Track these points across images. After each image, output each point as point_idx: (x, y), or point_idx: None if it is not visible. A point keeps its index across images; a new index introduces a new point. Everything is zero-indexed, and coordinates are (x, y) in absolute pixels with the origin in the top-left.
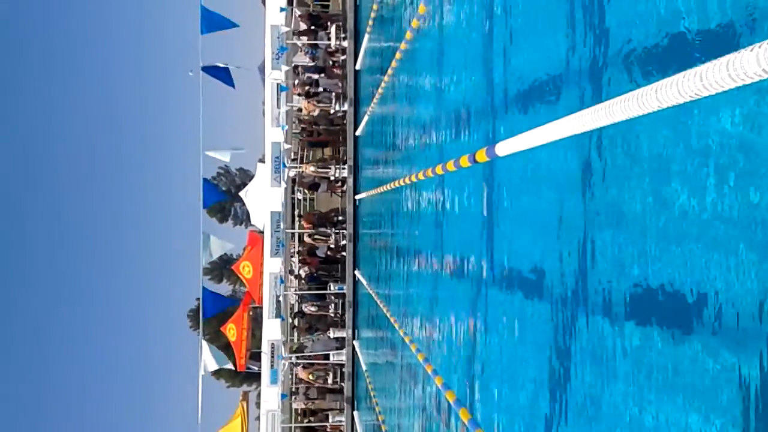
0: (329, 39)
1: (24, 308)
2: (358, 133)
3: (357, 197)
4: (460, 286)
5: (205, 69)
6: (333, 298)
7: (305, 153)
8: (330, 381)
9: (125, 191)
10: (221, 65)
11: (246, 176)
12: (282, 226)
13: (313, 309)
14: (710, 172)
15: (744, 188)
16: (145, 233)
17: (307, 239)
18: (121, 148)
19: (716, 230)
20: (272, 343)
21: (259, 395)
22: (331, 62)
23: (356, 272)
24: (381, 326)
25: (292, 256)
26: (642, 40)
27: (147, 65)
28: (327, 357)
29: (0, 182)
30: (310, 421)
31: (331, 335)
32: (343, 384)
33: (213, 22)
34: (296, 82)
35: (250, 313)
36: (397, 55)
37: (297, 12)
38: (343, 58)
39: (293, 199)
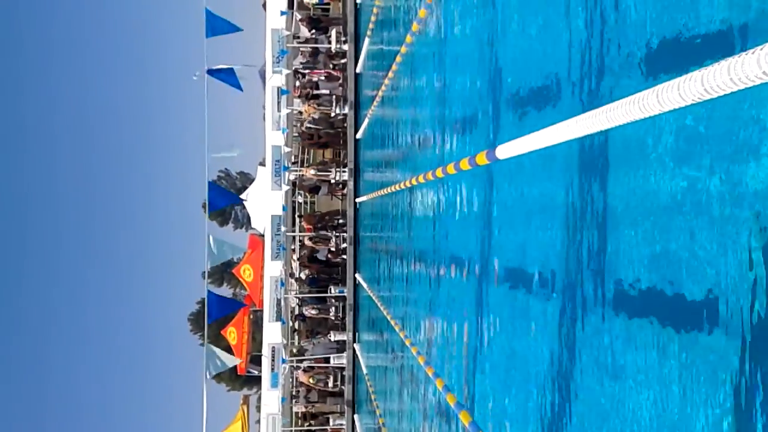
0: (330, 42)
1: (26, 311)
2: (358, 136)
3: (357, 200)
4: (461, 288)
5: (211, 72)
6: (333, 301)
7: (306, 156)
8: (330, 384)
9: (127, 194)
10: (226, 67)
11: (246, 179)
12: (282, 229)
13: (313, 312)
14: (711, 169)
15: (742, 186)
16: (146, 236)
17: (307, 242)
18: (125, 151)
19: (720, 228)
20: (273, 347)
21: (259, 399)
22: (331, 65)
23: (357, 275)
24: (382, 329)
25: (293, 260)
26: (643, 43)
27: (151, 68)
28: (327, 360)
29: (1, 186)
30: (310, 425)
31: (332, 338)
32: (343, 387)
33: (217, 26)
34: (297, 84)
35: (251, 316)
36: (398, 59)
37: (297, 16)
38: (343, 61)
39: (294, 202)
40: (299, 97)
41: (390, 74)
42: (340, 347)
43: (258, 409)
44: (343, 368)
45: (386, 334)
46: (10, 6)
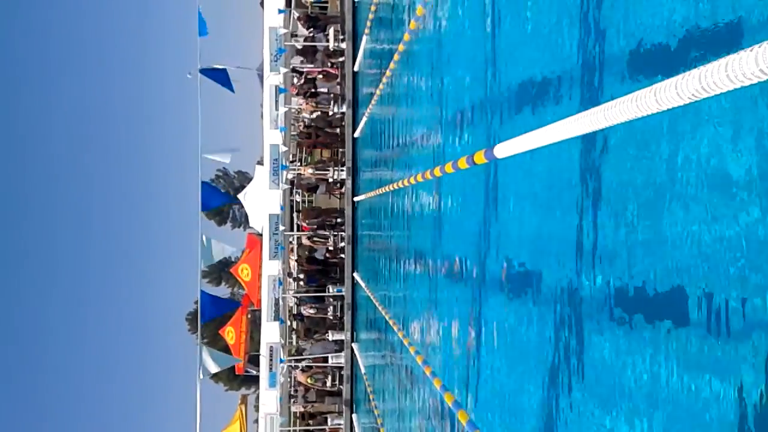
0: (327, 41)
1: (22, 312)
2: (356, 134)
3: (355, 199)
4: (459, 288)
5: (204, 71)
6: (332, 300)
7: (304, 155)
8: (329, 384)
9: (123, 194)
10: (219, 67)
11: (244, 179)
12: (281, 228)
13: (312, 311)
14: (704, 173)
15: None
16: (143, 236)
17: (306, 241)
18: (120, 151)
19: (715, 231)
20: (271, 346)
21: (257, 398)
22: (329, 64)
23: (355, 274)
24: (380, 328)
25: (291, 259)
26: (640, 42)
27: (145, 67)
28: (326, 360)
29: None
30: (308, 424)
31: (330, 338)
32: (341, 387)
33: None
34: (295, 82)
35: (249, 315)
36: (396, 57)
37: (295, 14)
38: (341, 59)
39: (292, 201)
40: (298, 94)
41: (388, 72)
42: (339, 347)
43: (256, 408)
44: (341, 368)
45: (384, 333)
46: (6, 5)
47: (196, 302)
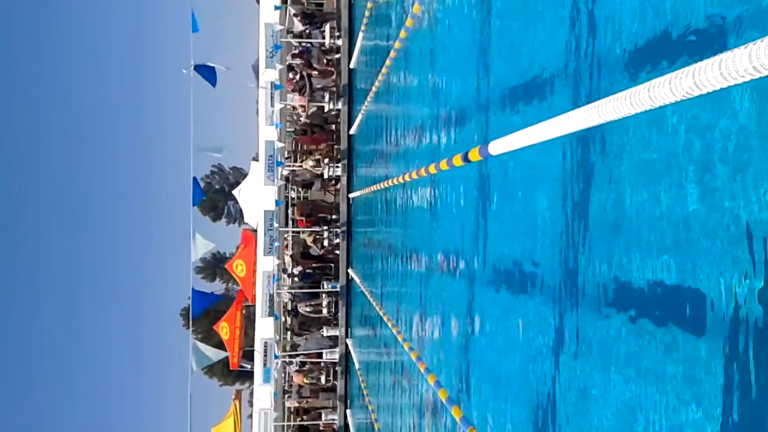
0: (324, 37)
1: (14, 307)
2: (352, 131)
3: (351, 196)
4: (453, 284)
5: (197, 68)
6: (326, 296)
7: (299, 151)
8: (323, 380)
9: (118, 189)
10: (210, 64)
11: (240, 174)
12: (275, 224)
13: (308, 309)
14: (696, 170)
15: (727, 187)
16: (137, 232)
17: (303, 236)
18: (115, 146)
19: (702, 226)
20: (265, 342)
21: (251, 394)
22: (325, 61)
23: (350, 270)
24: (374, 324)
25: (286, 255)
26: (635, 40)
27: (141, 62)
28: (320, 355)
29: None
30: (302, 420)
31: (324, 333)
32: (336, 382)
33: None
34: (290, 78)
35: (243, 311)
36: (392, 54)
37: (291, 10)
38: (337, 56)
39: (287, 197)
40: (294, 90)
41: (384, 69)
42: (333, 342)
43: (250, 404)
44: (335, 363)
45: (379, 329)
46: (2, 2)
47: (189, 297)
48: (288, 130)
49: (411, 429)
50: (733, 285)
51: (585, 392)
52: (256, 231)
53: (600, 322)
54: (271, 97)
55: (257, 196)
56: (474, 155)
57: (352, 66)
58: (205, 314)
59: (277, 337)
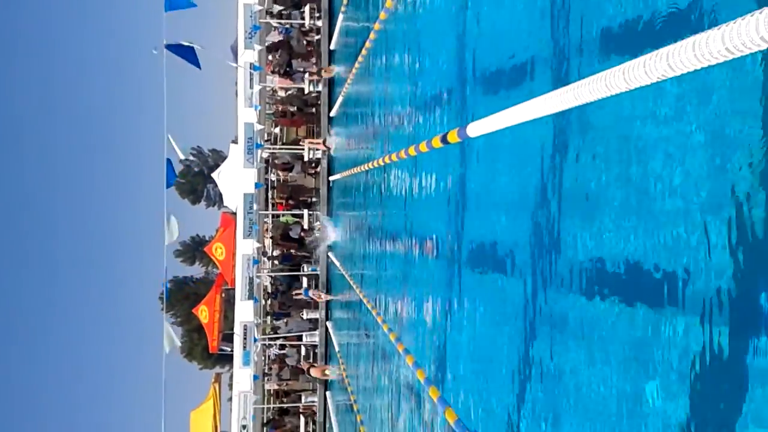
0: (303, 18)
1: None
2: (332, 114)
3: (331, 178)
4: (432, 266)
5: (170, 47)
6: (306, 280)
7: (279, 133)
8: (303, 362)
9: (93, 172)
10: (186, 44)
11: (219, 157)
12: (255, 207)
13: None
14: (672, 151)
15: (701, 168)
16: (115, 216)
17: (285, 218)
18: (90, 128)
19: (677, 208)
20: (245, 325)
21: (231, 377)
22: (305, 42)
23: (329, 253)
24: (354, 307)
25: (266, 238)
26: (612, 22)
27: (114, 42)
28: (300, 338)
29: None
30: (282, 402)
31: (304, 316)
32: (315, 365)
33: (176, 0)
34: (269, 60)
35: (223, 294)
36: (372, 36)
37: None
38: (317, 37)
39: (267, 180)
40: (273, 72)
41: (364, 51)
42: (313, 325)
43: (230, 387)
44: (315, 346)
45: (358, 311)
46: None
47: (170, 281)
48: (268, 112)
49: (389, 410)
50: (706, 262)
51: (560, 371)
52: (235, 214)
53: (576, 302)
54: (251, 79)
55: (237, 179)
56: (453, 137)
57: (332, 47)
58: (184, 298)
59: (257, 320)
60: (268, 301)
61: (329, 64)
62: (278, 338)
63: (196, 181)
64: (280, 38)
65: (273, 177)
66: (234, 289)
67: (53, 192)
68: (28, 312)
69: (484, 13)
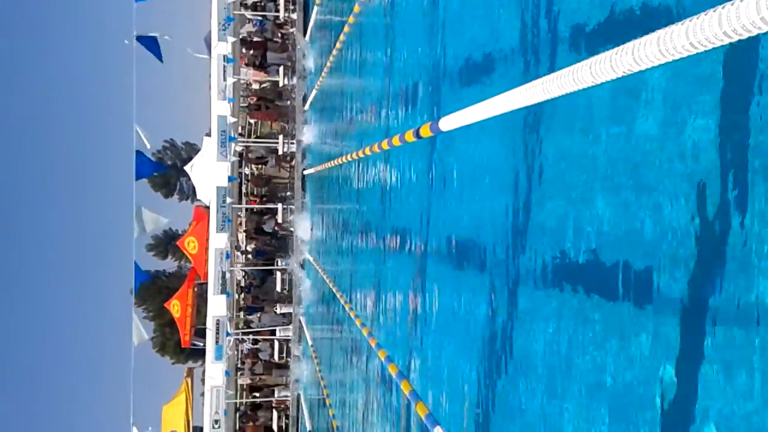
0: (278, 11)
1: None
2: (306, 107)
3: (305, 172)
4: (404, 261)
5: (139, 39)
6: (279, 273)
7: (253, 126)
8: (276, 356)
9: (63, 164)
10: (153, 35)
11: (192, 150)
12: (228, 200)
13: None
14: (643, 143)
15: (674, 166)
16: (83, 209)
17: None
18: (59, 118)
19: (648, 202)
20: (217, 319)
21: (204, 372)
22: (279, 34)
23: (303, 248)
24: (327, 301)
25: (239, 232)
26: (582, 18)
27: (84, 31)
28: (273, 332)
29: None
30: (255, 397)
31: (278, 311)
32: (289, 359)
33: None
34: (243, 52)
35: (195, 289)
36: (346, 29)
37: None
38: (292, 30)
39: (240, 173)
40: (248, 65)
41: (338, 45)
42: (287, 320)
43: (203, 382)
44: (288, 340)
45: (331, 306)
46: None
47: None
48: (242, 105)
49: (362, 403)
50: (678, 255)
51: (530, 364)
52: (208, 208)
53: (545, 296)
54: (224, 71)
55: (210, 172)
56: (425, 131)
57: (306, 40)
58: (156, 292)
59: (230, 315)
60: (241, 296)
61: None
62: (251, 333)
63: (168, 174)
64: (255, 31)
65: (247, 170)
66: (207, 283)
67: (20, 182)
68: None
69: (456, 7)
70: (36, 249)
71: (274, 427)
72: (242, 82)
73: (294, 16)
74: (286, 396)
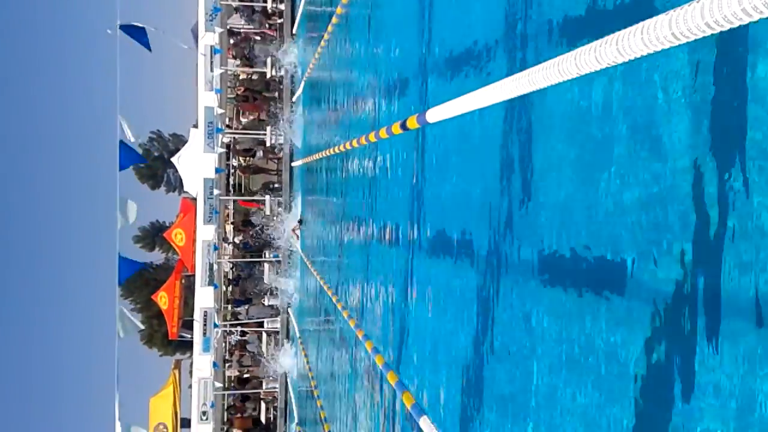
0: (265, 1)
1: None
2: (294, 99)
3: (293, 164)
4: (391, 253)
5: (123, 28)
6: (268, 265)
7: (241, 118)
8: (264, 348)
9: (48, 154)
10: (139, 25)
11: (179, 141)
12: (215, 192)
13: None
14: (627, 141)
15: (652, 162)
16: (70, 197)
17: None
18: (43, 109)
19: (630, 201)
20: (205, 311)
21: (192, 364)
22: (267, 25)
23: (291, 239)
24: (315, 293)
25: (227, 224)
26: (568, 9)
27: (68, 19)
28: (261, 324)
29: None
30: (243, 389)
31: (266, 302)
32: (277, 351)
33: None
34: (231, 43)
35: (183, 281)
36: (334, 20)
37: None
38: (279, 21)
39: (228, 165)
40: (235, 57)
41: (326, 36)
42: (274, 311)
43: (191, 374)
44: (277, 332)
45: (319, 298)
46: None
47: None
48: (229, 96)
49: (350, 395)
50: (662, 252)
51: (513, 356)
52: (195, 199)
53: (531, 290)
54: (211, 62)
55: (197, 164)
56: (412, 123)
57: (294, 31)
58: (144, 284)
59: (217, 307)
60: (229, 288)
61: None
62: (239, 324)
63: (155, 165)
64: (243, 21)
65: (234, 162)
66: (194, 275)
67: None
68: None
69: (445, 0)
70: (19, 240)
71: (262, 418)
72: (229, 73)
73: (282, 6)
74: (274, 388)
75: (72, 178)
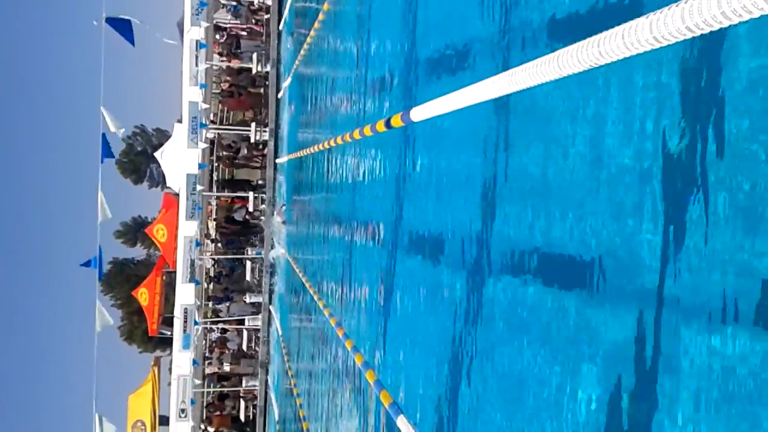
0: None
1: None
2: (280, 95)
3: (277, 161)
4: (373, 252)
5: (109, 20)
6: (250, 262)
7: (225, 113)
8: (245, 346)
9: (29, 147)
10: (124, 18)
11: (163, 136)
12: (199, 188)
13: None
14: (614, 138)
15: (637, 157)
16: (49, 191)
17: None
18: (25, 99)
19: (616, 195)
20: (185, 308)
21: (171, 361)
22: (254, 21)
23: (274, 237)
24: (297, 291)
25: (209, 220)
26: (552, 10)
27: (53, 11)
28: (242, 322)
29: None
30: (223, 386)
31: (247, 300)
32: (257, 349)
33: None
34: (217, 38)
35: (164, 277)
36: (320, 17)
37: None
38: (266, 17)
39: (212, 161)
40: (221, 53)
41: (312, 33)
42: (256, 309)
43: (171, 371)
44: (257, 330)
45: (301, 296)
46: None
47: (110, 263)
48: (214, 92)
49: (329, 393)
50: (646, 246)
51: (497, 359)
52: (178, 195)
53: (511, 288)
54: (196, 57)
55: (180, 159)
56: (396, 121)
57: (281, 28)
58: (125, 280)
59: (198, 304)
60: (210, 285)
61: None
62: (220, 322)
63: (138, 160)
64: (229, 16)
65: (220, 154)
66: (175, 271)
67: None
68: None
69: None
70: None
71: (241, 416)
72: (215, 68)
73: (269, 2)
74: (254, 386)
75: (54, 170)
